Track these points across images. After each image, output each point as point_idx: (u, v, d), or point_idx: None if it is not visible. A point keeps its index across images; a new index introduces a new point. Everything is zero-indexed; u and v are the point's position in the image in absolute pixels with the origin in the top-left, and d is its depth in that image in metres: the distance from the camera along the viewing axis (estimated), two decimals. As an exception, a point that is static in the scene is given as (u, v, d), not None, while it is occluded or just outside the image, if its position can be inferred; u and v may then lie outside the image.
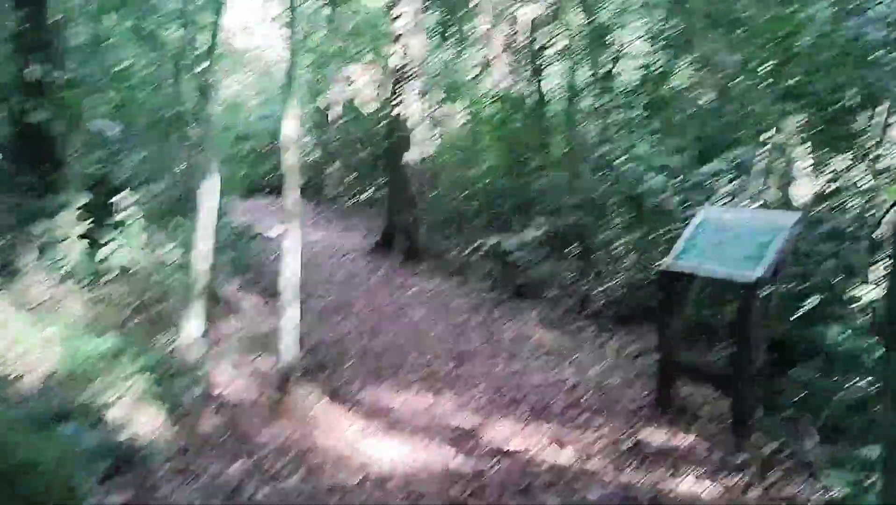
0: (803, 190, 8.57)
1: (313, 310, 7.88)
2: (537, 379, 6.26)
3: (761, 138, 8.06)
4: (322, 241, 13.22)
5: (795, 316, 4.96)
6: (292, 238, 5.33)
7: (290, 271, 5.32)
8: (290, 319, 5.36)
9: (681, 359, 5.42)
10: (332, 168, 19.88)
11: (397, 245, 12.00)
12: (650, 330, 7.60)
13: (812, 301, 4.84)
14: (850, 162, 4.69)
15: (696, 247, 5.20)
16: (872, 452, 3.87)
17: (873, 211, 4.63)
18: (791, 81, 7.04)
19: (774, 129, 8.13)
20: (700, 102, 10.13)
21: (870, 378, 4.40)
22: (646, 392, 5.82)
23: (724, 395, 5.22)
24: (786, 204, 7.98)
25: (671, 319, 5.35)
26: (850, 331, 3.18)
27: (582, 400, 5.76)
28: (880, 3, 5.04)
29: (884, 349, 2.45)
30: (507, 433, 5.11)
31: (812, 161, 8.33)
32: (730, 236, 5.08)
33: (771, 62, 7.46)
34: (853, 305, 4.32)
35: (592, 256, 9.01)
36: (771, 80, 8.42)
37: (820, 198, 5.32)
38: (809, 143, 8.31)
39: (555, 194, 9.58)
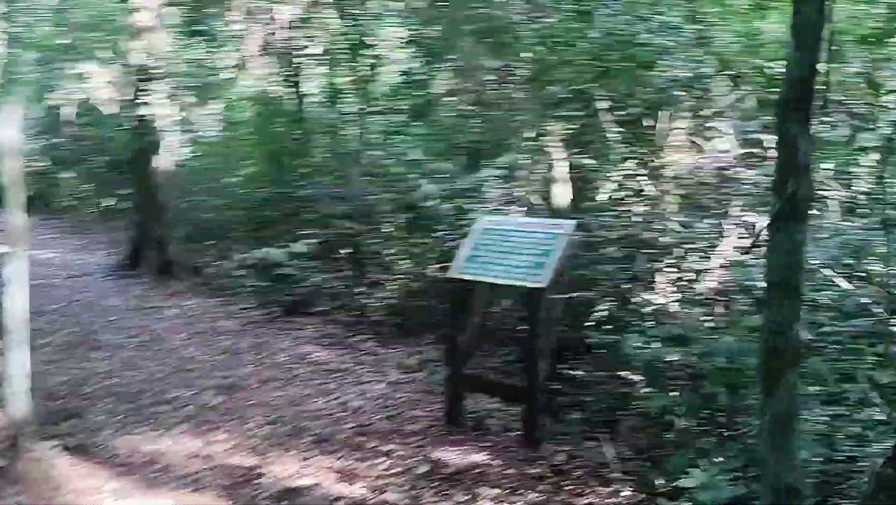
0: (564, 195, 8.92)
1: (48, 347, 6.74)
2: (319, 404, 5.79)
3: (525, 145, 8.25)
4: (55, 261, 11.60)
5: (589, 323, 4.98)
6: (18, 265, 4.38)
7: (16, 305, 4.37)
8: (18, 364, 4.40)
9: (470, 371, 5.25)
10: (65, 176, 17.71)
11: (148, 262, 10.82)
12: (431, 340, 7.45)
13: (602, 308, 4.89)
14: (634, 170, 4.84)
15: (482, 255, 5.07)
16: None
17: (655, 219, 4.80)
18: (555, 88, 7.21)
19: (538, 134, 8.36)
20: (461, 108, 10.24)
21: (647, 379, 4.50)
22: (435, 408, 5.59)
23: (515, 405, 5.13)
24: (552, 210, 8.23)
25: (459, 329, 5.16)
26: (647, 339, 3.17)
27: (369, 424, 5.39)
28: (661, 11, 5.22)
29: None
30: (292, 470, 4.60)
31: (569, 167, 8.71)
32: (513, 244, 5.00)
33: (535, 67, 7.59)
34: (643, 311, 4.41)
35: (366, 265, 8.69)
36: (531, 86, 8.65)
37: (602, 205, 5.44)
38: (574, 149, 8.67)
39: (323, 202, 9.13)
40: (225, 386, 6.15)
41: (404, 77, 11.92)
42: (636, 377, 4.38)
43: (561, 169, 8.56)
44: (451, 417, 5.26)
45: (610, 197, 5.15)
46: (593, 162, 8.25)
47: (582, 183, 8.71)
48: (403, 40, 12.53)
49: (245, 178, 12.05)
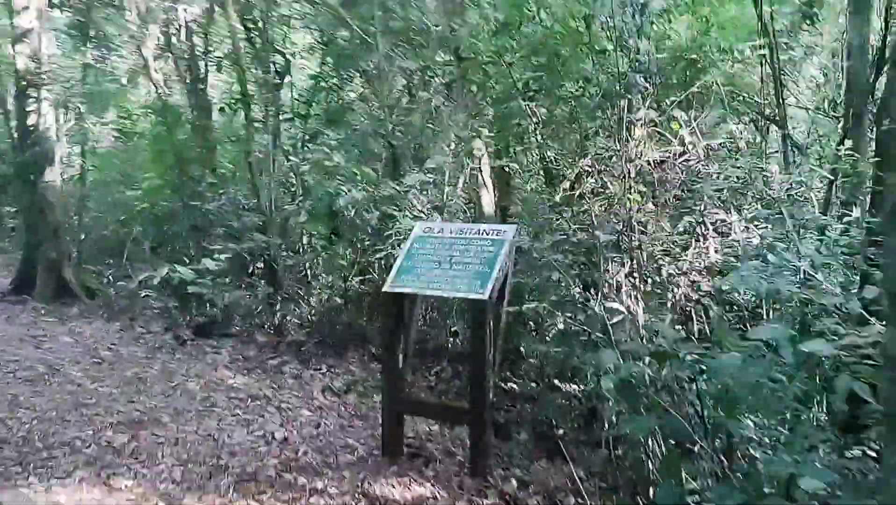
0: (488, 200, 8.61)
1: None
2: (239, 437, 5.21)
3: (450, 149, 7.90)
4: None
5: (550, 336, 4.63)
6: None
7: None
8: None
9: (409, 394, 4.80)
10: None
11: (41, 285, 9.87)
12: (357, 358, 6.97)
13: (559, 318, 4.55)
14: (589, 169, 4.54)
15: (418, 265, 4.63)
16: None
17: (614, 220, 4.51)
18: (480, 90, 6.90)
19: (462, 139, 8.03)
20: (379, 113, 9.80)
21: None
22: (368, 435, 5.12)
23: (458, 426, 4.73)
24: (480, 214, 7.91)
25: (395, 347, 4.70)
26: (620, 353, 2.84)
27: (297, 458, 4.85)
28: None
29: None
30: (211, 518, 4.04)
31: (494, 169, 8.42)
32: (453, 252, 4.59)
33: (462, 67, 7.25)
34: (607, 321, 4.09)
35: (284, 281, 8.11)
36: (454, 87, 8.32)
37: (555, 207, 5.11)
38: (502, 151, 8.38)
39: (234, 214, 8.49)
40: (131, 422, 5.48)
41: (315, 81, 11.40)
42: (606, 397, 4.05)
43: (488, 173, 8.26)
44: (388, 446, 4.79)
45: (564, 195, 4.82)
46: (516, 164, 8.01)
47: (510, 185, 8.44)
48: (313, 45, 12.04)
49: (146, 192, 11.22)
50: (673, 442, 2.73)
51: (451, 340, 6.91)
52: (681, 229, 4.15)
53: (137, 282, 9.14)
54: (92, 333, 8.12)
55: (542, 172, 8.15)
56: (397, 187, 7.21)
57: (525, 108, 7.08)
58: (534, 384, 4.90)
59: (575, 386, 4.64)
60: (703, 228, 4.00)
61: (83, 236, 10.72)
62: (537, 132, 7.17)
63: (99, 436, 5.21)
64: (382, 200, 7.26)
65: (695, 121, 4.14)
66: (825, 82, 9.69)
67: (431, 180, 7.47)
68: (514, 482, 4.33)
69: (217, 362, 6.99)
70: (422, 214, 7.22)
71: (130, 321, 8.53)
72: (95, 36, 13.75)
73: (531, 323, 4.98)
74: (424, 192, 7.41)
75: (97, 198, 11.91)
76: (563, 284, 4.44)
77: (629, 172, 4.17)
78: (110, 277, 10.15)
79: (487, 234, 4.64)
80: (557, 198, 4.96)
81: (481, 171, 8.52)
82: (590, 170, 4.52)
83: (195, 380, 6.49)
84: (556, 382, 5.32)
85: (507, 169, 8.67)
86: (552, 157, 5.87)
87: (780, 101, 6.03)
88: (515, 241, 4.59)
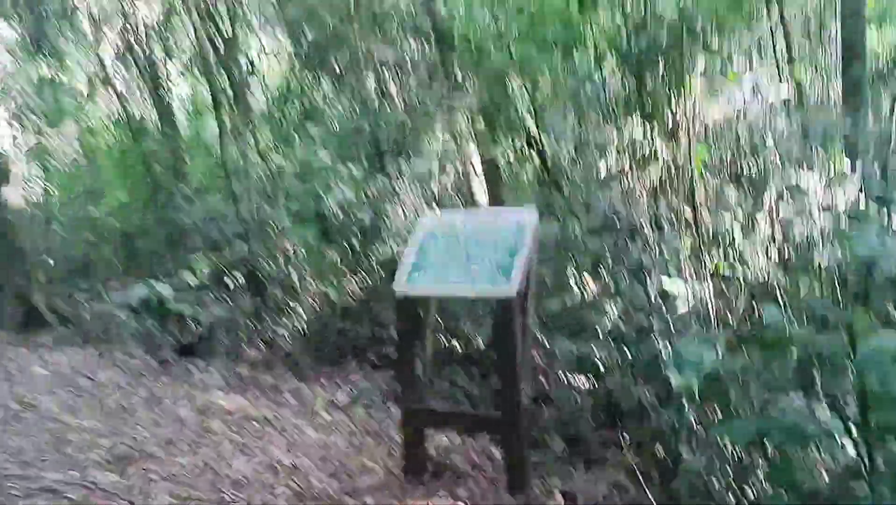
0: (481, 191, 8.20)
1: None
2: (241, 466, 4.70)
3: (441, 140, 7.48)
4: None
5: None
6: None
7: None
8: None
9: (430, 405, 4.34)
10: None
11: (7, 312, 9.24)
12: (357, 368, 6.51)
13: (601, 309, 4.10)
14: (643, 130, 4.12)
15: (431, 262, 4.15)
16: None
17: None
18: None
19: (450, 126, 7.60)
20: (356, 107, 9.32)
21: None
22: (385, 453, 4.64)
23: (490, 438, 4.28)
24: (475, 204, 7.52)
25: (412, 356, 4.23)
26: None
27: (310, 485, 4.36)
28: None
29: None
30: (219, 565, 3.55)
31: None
32: (469, 245, 4.12)
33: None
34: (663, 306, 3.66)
35: (271, 291, 7.59)
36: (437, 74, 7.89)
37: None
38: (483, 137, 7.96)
39: (213, 224, 7.95)
40: (118, 457, 4.93)
41: (287, 80, 10.92)
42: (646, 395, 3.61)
43: (479, 163, 7.86)
44: (410, 464, 4.32)
45: (609, 169, 4.37)
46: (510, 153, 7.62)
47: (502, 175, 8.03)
48: (282, 41, 11.56)
49: (115, 207, 10.62)
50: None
51: (458, 340, 6.46)
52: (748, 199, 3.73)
53: (112, 303, 8.57)
54: (67, 362, 7.52)
55: (535, 159, 7.75)
56: (389, 183, 6.76)
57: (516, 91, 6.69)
58: (568, 386, 4.47)
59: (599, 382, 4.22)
60: (774, 195, 3.58)
61: (51, 258, 10.09)
62: (533, 116, 6.75)
63: (84, 476, 4.66)
64: (373, 198, 6.80)
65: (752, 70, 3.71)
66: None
67: (424, 174, 7.03)
68: (558, 496, 3.89)
69: (207, 384, 6.46)
70: (416, 210, 6.78)
71: (108, 345, 7.94)
72: (48, 47, 13.08)
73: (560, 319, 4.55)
74: (417, 187, 6.97)
75: (63, 217, 11.26)
76: (607, 270, 4.02)
77: (691, 132, 3.74)
78: (83, 301, 9.54)
79: (506, 220, 4.19)
80: (605, 170, 4.48)
81: (472, 162, 8.11)
82: (637, 139, 4.07)
83: (185, 405, 5.95)
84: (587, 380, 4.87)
85: (497, 158, 8.24)
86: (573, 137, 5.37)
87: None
88: (538, 228, 4.14)
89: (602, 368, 4.71)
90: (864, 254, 2.15)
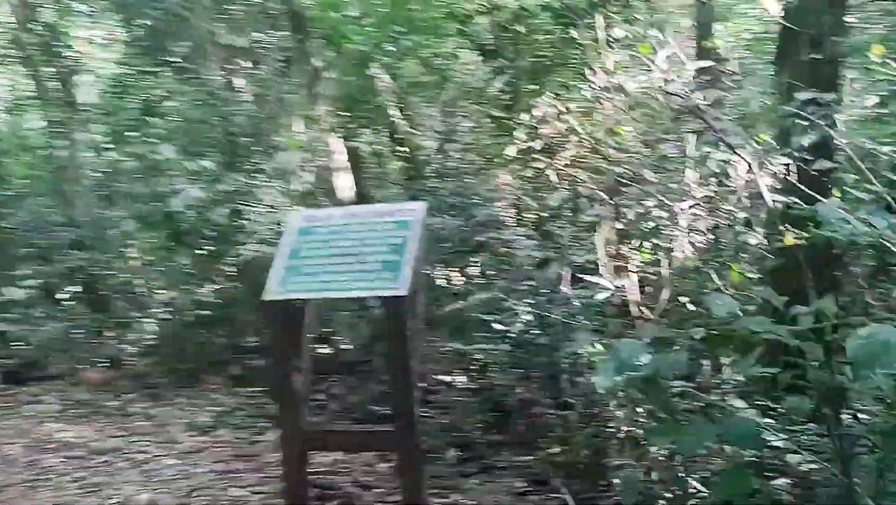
0: (344, 185, 7.78)
1: None
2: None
3: (300, 132, 6.98)
4: None
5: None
6: None
7: None
8: None
9: (313, 423, 3.89)
10: None
11: None
12: (218, 384, 5.93)
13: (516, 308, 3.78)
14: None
15: (307, 264, 3.70)
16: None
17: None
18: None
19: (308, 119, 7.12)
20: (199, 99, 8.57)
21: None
22: (260, 479, 4.15)
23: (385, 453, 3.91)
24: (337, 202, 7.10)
25: (289, 369, 3.75)
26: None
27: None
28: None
29: None
30: None
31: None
32: (350, 243, 3.71)
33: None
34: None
35: (113, 304, 6.78)
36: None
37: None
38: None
39: (41, 231, 7.00)
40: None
41: (120, 71, 9.92)
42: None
43: (341, 156, 7.44)
44: (291, 491, 3.83)
45: (518, 151, 4.03)
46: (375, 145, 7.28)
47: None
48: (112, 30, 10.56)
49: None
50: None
51: (328, 346, 6.04)
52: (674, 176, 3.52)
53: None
54: None
55: (401, 150, 7.45)
56: (243, 179, 6.20)
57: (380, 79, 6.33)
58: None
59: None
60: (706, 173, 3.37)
61: None
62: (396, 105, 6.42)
63: None
64: (228, 196, 6.21)
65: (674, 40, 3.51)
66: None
67: (283, 169, 6.52)
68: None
69: (41, 413, 5.63)
70: (276, 208, 6.26)
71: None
72: None
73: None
74: (275, 183, 6.44)
75: None
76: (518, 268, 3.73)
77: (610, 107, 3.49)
78: None
79: (390, 216, 3.80)
80: (511, 154, 4.15)
81: (333, 154, 7.68)
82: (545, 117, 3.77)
83: (15, 440, 5.12)
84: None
85: (360, 151, 7.86)
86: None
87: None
88: (424, 223, 3.79)
89: (486, 368, 4.48)
90: (828, 234, 1.98)
